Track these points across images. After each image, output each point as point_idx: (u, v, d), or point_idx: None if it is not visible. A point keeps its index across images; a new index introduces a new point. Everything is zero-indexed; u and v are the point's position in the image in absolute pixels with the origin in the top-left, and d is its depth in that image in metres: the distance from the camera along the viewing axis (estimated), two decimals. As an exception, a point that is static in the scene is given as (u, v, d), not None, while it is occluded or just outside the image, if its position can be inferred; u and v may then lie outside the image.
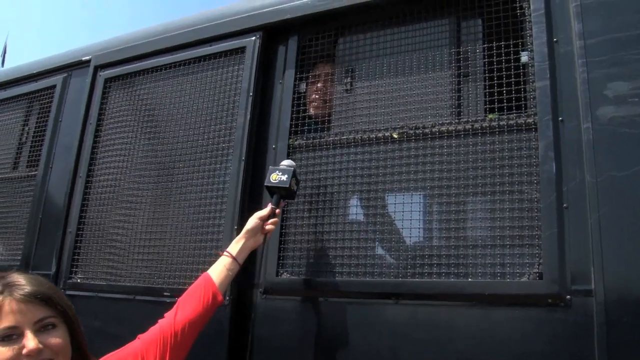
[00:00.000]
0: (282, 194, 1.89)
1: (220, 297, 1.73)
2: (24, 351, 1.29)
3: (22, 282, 1.38)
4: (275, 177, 1.87)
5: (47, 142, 2.84)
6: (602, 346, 1.44)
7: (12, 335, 1.31)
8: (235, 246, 1.82)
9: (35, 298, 1.36)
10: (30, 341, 1.30)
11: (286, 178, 1.86)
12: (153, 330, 1.63)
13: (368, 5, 2.05)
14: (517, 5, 1.82)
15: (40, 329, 1.35)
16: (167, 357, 1.58)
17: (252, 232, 1.84)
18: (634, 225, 1.47)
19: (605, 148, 1.55)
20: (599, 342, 1.44)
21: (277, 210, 1.89)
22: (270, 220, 1.87)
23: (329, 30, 2.15)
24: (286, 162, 1.94)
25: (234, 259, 1.80)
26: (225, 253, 1.82)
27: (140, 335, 1.63)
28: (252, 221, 1.85)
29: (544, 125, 1.66)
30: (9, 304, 1.33)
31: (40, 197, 2.75)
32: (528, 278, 1.58)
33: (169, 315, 1.67)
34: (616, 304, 1.45)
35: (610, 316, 1.45)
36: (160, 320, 1.67)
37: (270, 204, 1.89)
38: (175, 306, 1.69)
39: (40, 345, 1.31)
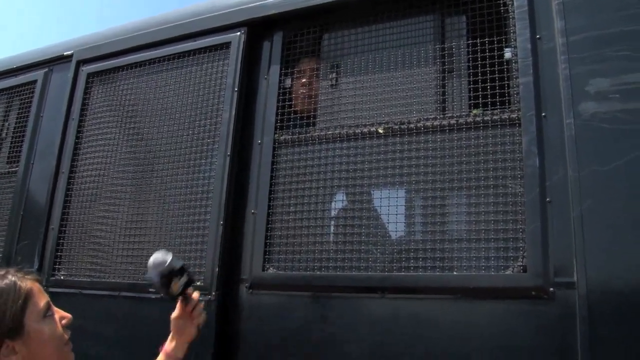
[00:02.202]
0: (176, 282, 1.67)
1: None
2: (64, 322, 1.48)
3: (20, 269, 1.50)
4: (176, 287, 1.66)
5: (28, 137, 2.80)
6: (584, 337, 1.46)
7: (48, 310, 1.45)
8: (170, 344, 1.76)
9: (40, 282, 1.52)
10: (65, 313, 1.50)
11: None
12: None
13: (353, 2, 2.06)
14: (501, 2, 1.84)
15: None
16: None
17: (179, 330, 1.75)
18: (616, 219, 1.50)
19: (587, 143, 1.58)
20: (581, 334, 1.47)
21: (189, 307, 1.74)
22: (195, 313, 1.75)
23: (314, 26, 2.16)
24: (153, 270, 1.65)
25: (172, 356, 1.74)
26: (162, 352, 1.75)
27: None
28: (174, 323, 1.75)
29: (528, 121, 1.68)
30: (35, 285, 1.46)
31: (21, 193, 2.71)
32: (512, 271, 1.60)
33: None
34: (598, 296, 1.48)
35: (592, 308, 1.48)
36: None
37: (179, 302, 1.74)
38: None
39: None
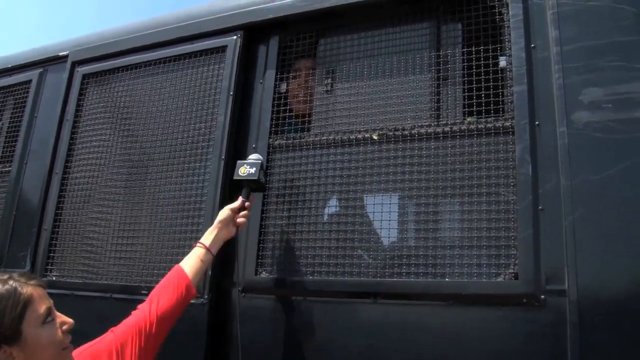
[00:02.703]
0: (251, 186, 1.93)
1: (194, 290, 1.76)
2: (65, 327, 1.47)
3: (24, 274, 1.51)
4: (244, 171, 1.91)
5: (22, 137, 2.79)
6: (574, 344, 1.47)
7: (48, 316, 1.44)
8: (209, 237, 1.85)
9: (43, 288, 1.51)
10: (67, 318, 1.49)
11: (254, 171, 1.90)
12: (127, 322, 1.67)
13: (349, 7, 2.07)
14: (497, 11, 1.85)
15: None
16: (143, 346, 1.62)
17: (225, 222, 1.87)
18: (607, 228, 1.51)
19: (580, 152, 1.59)
20: (571, 341, 1.48)
21: (247, 204, 1.92)
22: (241, 214, 1.90)
23: (310, 30, 2.16)
24: (254, 156, 1.97)
25: (208, 249, 1.82)
26: (198, 244, 1.83)
27: (113, 329, 1.65)
28: (224, 212, 1.87)
29: (521, 129, 1.69)
30: (37, 291, 1.45)
31: (14, 193, 2.70)
32: (504, 278, 1.61)
33: (142, 307, 1.70)
34: (588, 304, 1.49)
35: (582, 315, 1.49)
36: (133, 312, 1.70)
37: (240, 197, 1.91)
38: (148, 299, 1.71)
39: None
